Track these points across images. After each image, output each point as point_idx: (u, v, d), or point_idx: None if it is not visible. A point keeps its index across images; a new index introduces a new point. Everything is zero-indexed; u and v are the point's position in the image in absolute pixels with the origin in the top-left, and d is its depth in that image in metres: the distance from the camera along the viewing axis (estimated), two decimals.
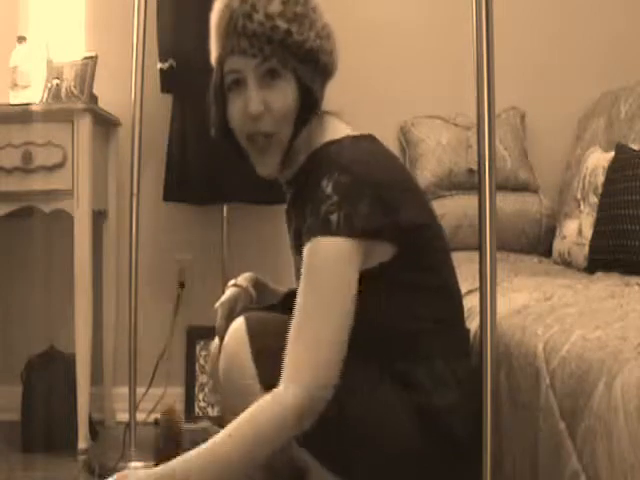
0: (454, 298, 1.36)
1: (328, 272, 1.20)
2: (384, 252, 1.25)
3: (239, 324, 1.29)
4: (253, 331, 1.26)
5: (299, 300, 1.20)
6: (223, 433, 1.15)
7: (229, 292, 1.56)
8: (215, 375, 1.46)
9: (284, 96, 1.27)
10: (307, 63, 1.28)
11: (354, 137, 1.32)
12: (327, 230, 1.19)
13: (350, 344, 1.20)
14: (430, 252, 1.31)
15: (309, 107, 1.30)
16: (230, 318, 1.39)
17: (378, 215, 1.21)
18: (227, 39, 1.27)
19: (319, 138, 1.33)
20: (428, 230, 1.32)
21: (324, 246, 1.20)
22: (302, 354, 1.17)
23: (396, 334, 1.27)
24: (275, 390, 1.16)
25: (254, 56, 1.25)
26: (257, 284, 1.60)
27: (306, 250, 1.22)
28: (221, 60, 1.28)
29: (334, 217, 1.19)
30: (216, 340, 1.53)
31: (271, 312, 1.36)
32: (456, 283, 1.37)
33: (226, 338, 1.31)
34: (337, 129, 1.34)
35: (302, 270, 1.22)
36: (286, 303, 1.36)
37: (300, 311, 1.20)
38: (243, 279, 1.60)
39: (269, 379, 1.20)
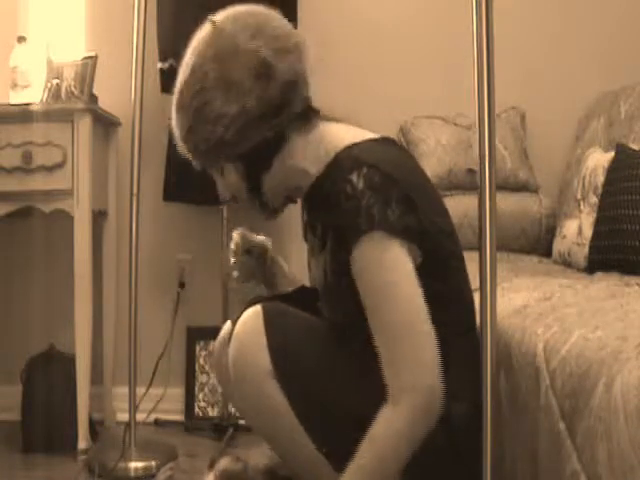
0: (466, 304, 1.33)
1: (393, 266, 1.18)
2: (413, 258, 1.22)
3: (256, 312, 1.27)
4: (270, 323, 1.25)
5: (374, 314, 1.18)
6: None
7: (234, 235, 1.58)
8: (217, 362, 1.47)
9: (231, 180, 1.37)
10: (229, 145, 1.30)
11: (375, 140, 1.33)
12: (376, 225, 1.17)
13: (368, 352, 1.19)
14: (449, 259, 1.29)
15: (260, 160, 1.33)
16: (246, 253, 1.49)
17: (408, 215, 1.20)
18: None
19: (333, 146, 1.31)
20: (447, 236, 1.30)
21: (378, 241, 1.18)
22: (408, 365, 1.15)
23: None
24: (385, 409, 1.15)
25: (199, 166, 1.39)
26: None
27: (358, 251, 1.18)
28: None
29: (375, 211, 1.17)
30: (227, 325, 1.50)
31: (286, 303, 1.35)
32: (468, 289, 1.35)
33: (240, 324, 1.28)
34: (356, 134, 1.33)
35: (359, 278, 1.19)
36: (301, 297, 1.36)
37: (380, 321, 1.18)
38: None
39: (285, 377, 1.21)
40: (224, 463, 1.66)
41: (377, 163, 1.22)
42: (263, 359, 1.24)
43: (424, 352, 1.16)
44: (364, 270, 1.19)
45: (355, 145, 1.29)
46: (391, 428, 1.16)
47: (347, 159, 1.26)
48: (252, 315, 1.28)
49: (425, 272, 1.22)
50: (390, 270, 1.18)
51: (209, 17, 1.33)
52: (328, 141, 1.32)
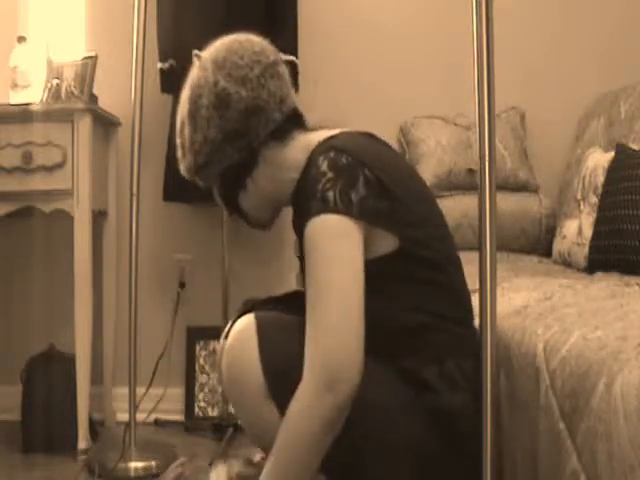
0: (462, 299, 1.33)
1: (331, 248, 1.17)
2: (387, 244, 1.22)
3: (249, 323, 1.27)
4: (263, 333, 1.24)
5: (308, 286, 1.18)
6: (271, 454, 1.16)
7: None
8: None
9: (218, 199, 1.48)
10: (202, 168, 1.39)
11: (355, 132, 1.34)
12: (325, 208, 1.18)
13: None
14: (436, 249, 1.28)
15: (233, 181, 1.39)
16: None
17: (375, 198, 1.20)
18: None
19: (312, 146, 1.31)
20: (434, 228, 1.30)
21: (323, 223, 1.18)
22: (320, 338, 1.14)
23: (404, 328, 1.24)
24: (299, 387, 1.15)
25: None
26: None
27: (305, 232, 1.20)
28: None
29: (330, 194, 1.18)
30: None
31: (278, 306, 1.36)
32: (465, 286, 1.34)
33: (234, 334, 1.28)
34: (331, 131, 1.34)
35: (305, 256, 1.20)
36: (292, 302, 1.35)
37: (311, 296, 1.17)
38: None
39: (279, 394, 1.20)
40: (238, 466, 1.64)
41: (346, 147, 1.23)
42: (256, 378, 1.23)
43: (338, 332, 1.14)
44: (307, 251, 1.19)
45: (331, 137, 1.30)
46: (297, 402, 1.15)
47: (319, 149, 1.27)
48: (246, 325, 1.27)
49: (406, 257, 1.22)
50: (329, 251, 1.17)
51: (197, 53, 1.39)
52: (308, 145, 1.32)
